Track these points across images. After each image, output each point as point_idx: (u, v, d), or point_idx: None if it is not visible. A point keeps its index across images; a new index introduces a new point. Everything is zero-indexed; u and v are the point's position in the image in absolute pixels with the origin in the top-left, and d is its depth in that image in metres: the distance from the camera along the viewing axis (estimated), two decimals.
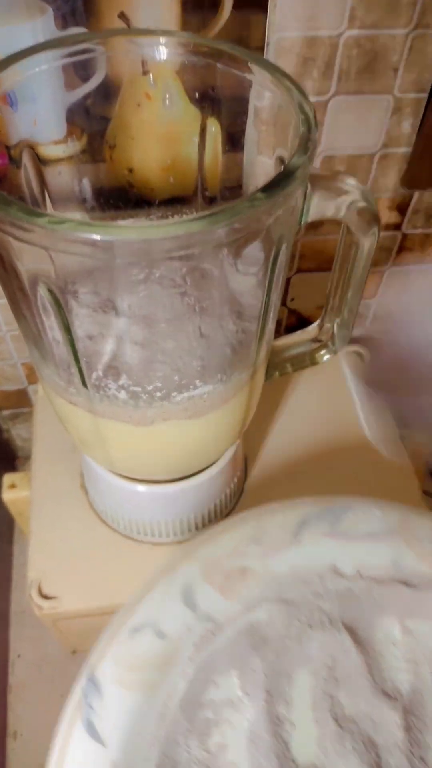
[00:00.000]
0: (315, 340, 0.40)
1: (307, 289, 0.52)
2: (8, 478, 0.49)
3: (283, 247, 0.28)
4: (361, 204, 0.29)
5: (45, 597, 0.43)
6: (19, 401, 0.60)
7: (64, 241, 0.21)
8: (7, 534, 0.60)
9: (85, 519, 0.46)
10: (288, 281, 0.51)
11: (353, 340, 0.59)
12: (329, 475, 0.49)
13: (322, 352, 0.39)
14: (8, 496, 0.49)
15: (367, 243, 0.32)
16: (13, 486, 0.49)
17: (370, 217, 0.30)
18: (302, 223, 0.29)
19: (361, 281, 0.35)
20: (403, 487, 0.49)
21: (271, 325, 0.33)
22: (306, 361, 0.40)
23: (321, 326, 0.40)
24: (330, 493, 0.46)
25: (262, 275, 0.29)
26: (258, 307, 0.30)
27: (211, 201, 0.36)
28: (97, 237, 0.21)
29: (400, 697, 0.30)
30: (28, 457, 0.66)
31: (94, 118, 0.37)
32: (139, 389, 0.30)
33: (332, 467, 0.50)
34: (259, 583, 0.33)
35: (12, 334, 0.52)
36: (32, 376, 0.57)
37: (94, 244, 0.21)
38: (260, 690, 0.31)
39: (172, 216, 0.37)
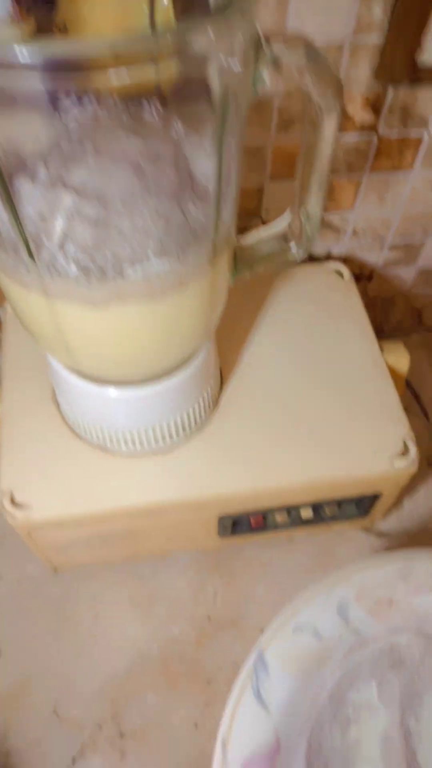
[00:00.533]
0: (283, 238, 0.39)
1: (282, 199, 0.51)
2: None
3: (231, 107, 0.27)
4: (320, 64, 0.28)
5: (18, 506, 0.43)
6: None
7: None
8: None
9: (57, 432, 0.46)
10: (261, 191, 0.50)
11: (333, 258, 0.58)
12: (307, 390, 0.49)
13: (293, 248, 0.38)
14: None
15: (329, 119, 0.31)
16: None
17: (329, 79, 0.28)
18: (257, 87, 0.28)
19: (324, 166, 0.34)
20: (382, 398, 0.48)
21: (228, 205, 0.32)
22: (276, 258, 0.39)
23: (290, 221, 0.38)
24: (310, 407, 0.46)
25: (212, 143, 0.27)
26: (211, 182, 0.29)
27: None
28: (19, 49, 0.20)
29: None
30: None
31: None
32: (90, 263, 0.29)
33: (311, 382, 0.49)
34: (403, 615, 0.39)
35: None
36: (1, 298, 0.56)
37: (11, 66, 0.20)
38: (395, 702, 0.38)
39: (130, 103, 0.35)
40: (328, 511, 0.50)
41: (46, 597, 0.53)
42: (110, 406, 0.41)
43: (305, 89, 0.29)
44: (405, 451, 0.45)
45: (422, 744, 0.36)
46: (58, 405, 0.47)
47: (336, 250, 0.57)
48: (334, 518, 0.51)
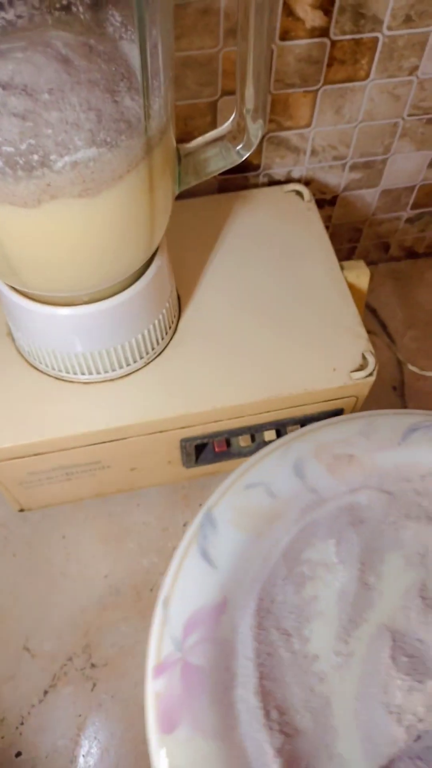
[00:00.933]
0: (231, 141, 0.38)
1: None
2: None
3: None
4: None
5: None
6: None
7: None
8: None
9: (13, 365, 0.45)
10: (215, 106, 0.48)
11: (293, 180, 0.56)
12: (267, 312, 0.47)
13: (239, 147, 0.37)
14: None
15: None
16: None
17: None
18: None
19: (259, 51, 0.32)
20: (342, 315, 0.47)
21: (158, 96, 0.30)
22: (221, 160, 0.37)
23: (234, 122, 0.37)
24: (270, 329, 0.45)
25: (135, 29, 0.26)
26: (138, 68, 0.27)
27: None
28: None
29: None
30: None
31: None
32: (16, 156, 0.27)
33: (271, 303, 0.48)
34: (363, 472, 0.37)
35: None
36: None
37: None
38: (354, 560, 0.36)
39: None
40: (290, 429, 0.50)
41: (15, 538, 0.53)
42: (62, 328, 0.40)
43: None
44: (364, 364, 0.44)
45: (383, 600, 0.35)
46: (13, 338, 0.45)
47: (296, 173, 0.56)
48: None
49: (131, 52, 0.29)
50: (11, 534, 0.53)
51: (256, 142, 0.36)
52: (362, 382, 0.44)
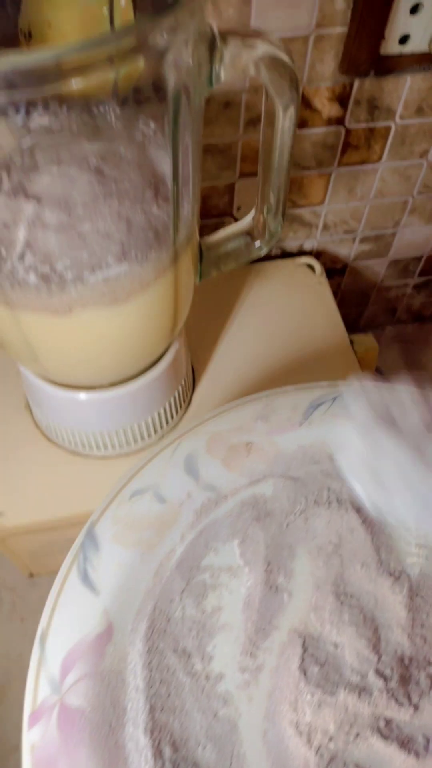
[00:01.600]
0: (248, 234, 0.39)
1: (253, 198, 0.50)
2: None
3: (184, 103, 0.26)
4: (274, 56, 0.27)
5: None
6: None
7: None
8: None
9: (30, 438, 0.45)
10: (232, 188, 0.49)
11: (305, 253, 0.57)
12: (281, 383, 0.48)
13: (257, 244, 0.38)
14: None
15: (286, 112, 0.30)
16: None
17: (285, 72, 0.28)
18: (212, 81, 0.28)
19: (283, 155, 0.33)
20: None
21: (187, 204, 0.31)
22: (242, 255, 0.38)
23: (255, 219, 0.38)
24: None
25: (167, 138, 0.27)
26: (168, 182, 0.29)
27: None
28: None
29: (407, 578, 0.30)
30: None
31: (5, 5, 0.34)
32: (49, 271, 0.28)
33: (283, 378, 0.49)
34: (264, 459, 0.33)
35: None
36: None
37: None
38: (260, 560, 0.32)
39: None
40: None
41: (24, 603, 0.53)
42: (81, 410, 0.41)
43: (261, 81, 0.29)
44: None
45: (293, 601, 0.31)
46: (31, 411, 0.46)
47: (308, 245, 0.57)
48: None
49: (161, 158, 0.30)
50: (20, 599, 0.53)
51: (275, 239, 0.38)
52: None
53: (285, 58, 0.27)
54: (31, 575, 0.52)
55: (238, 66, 0.27)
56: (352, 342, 0.51)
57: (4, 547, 0.45)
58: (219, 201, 0.50)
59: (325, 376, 0.49)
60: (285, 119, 0.30)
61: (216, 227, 0.38)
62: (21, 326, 0.32)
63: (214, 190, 0.49)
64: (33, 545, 0.45)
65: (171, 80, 0.24)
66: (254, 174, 0.49)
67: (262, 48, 0.27)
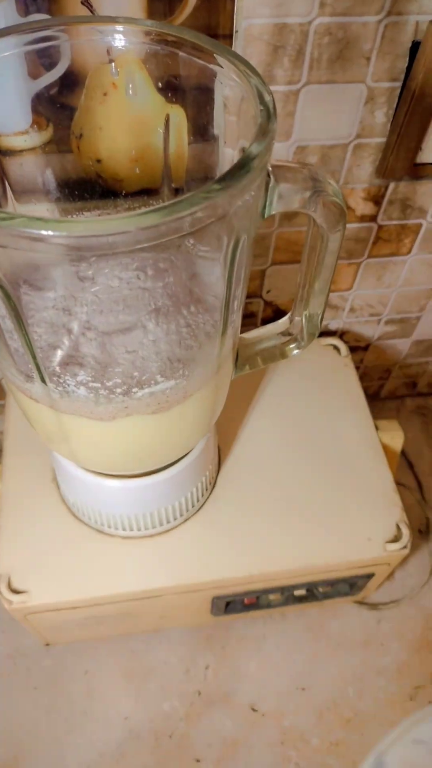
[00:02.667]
0: (286, 333, 0.40)
1: (283, 281, 0.52)
2: None
3: (244, 238, 0.27)
4: (328, 197, 0.28)
5: (14, 591, 0.42)
6: None
7: (13, 237, 0.21)
8: None
9: (56, 513, 0.46)
10: (263, 273, 0.51)
11: (329, 333, 0.59)
12: (303, 471, 0.49)
13: (291, 346, 0.39)
14: None
15: (334, 237, 0.32)
16: None
17: (337, 210, 0.29)
18: (266, 215, 0.29)
19: (327, 275, 0.34)
20: (377, 481, 0.49)
21: (235, 320, 0.32)
22: (276, 354, 0.39)
23: (291, 320, 0.39)
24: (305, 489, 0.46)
25: (222, 268, 0.28)
26: (220, 302, 0.30)
27: (177, 192, 0.35)
28: (45, 233, 0.20)
29: None
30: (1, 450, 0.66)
31: (60, 108, 0.36)
32: (98, 385, 0.29)
33: (307, 462, 0.49)
34: None
35: None
36: None
37: (43, 240, 0.20)
38: None
39: (139, 207, 0.36)
40: (321, 590, 0.51)
41: (38, 671, 0.53)
42: (109, 495, 0.42)
43: (311, 215, 0.30)
44: (398, 534, 0.46)
45: None
46: (57, 485, 0.47)
47: (333, 325, 0.58)
48: (326, 596, 0.52)
49: (215, 280, 0.31)
50: (34, 665, 0.53)
51: (308, 344, 0.39)
52: (396, 553, 0.45)
53: (339, 200, 0.28)
54: (47, 644, 0.52)
55: (291, 203, 0.28)
56: (377, 428, 0.51)
57: (26, 623, 0.45)
58: (251, 284, 0.52)
59: (350, 465, 0.49)
60: (331, 243, 0.32)
61: (246, 307, 0.39)
62: (62, 425, 0.33)
63: None
64: (53, 621, 0.46)
65: (231, 225, 0.26)
66: (285, 262, 0.50)
67: (315, 190, 0.28)
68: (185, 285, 0.31)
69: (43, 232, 0.20)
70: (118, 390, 0.29)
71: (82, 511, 0.45)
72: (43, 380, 0.29)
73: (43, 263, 0.28)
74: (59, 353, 0.29)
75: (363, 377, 0.65)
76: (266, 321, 0.56)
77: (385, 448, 0.51)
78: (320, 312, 0.37)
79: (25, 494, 0.47)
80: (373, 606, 0.58)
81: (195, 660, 0.54)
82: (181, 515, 0.45)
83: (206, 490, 0.47)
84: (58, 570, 0.44)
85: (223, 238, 0.27)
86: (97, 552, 0.45)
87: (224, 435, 0.50)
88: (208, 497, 0.47)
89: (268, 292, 0.53)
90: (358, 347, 0.62)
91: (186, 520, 0.46)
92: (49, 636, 0.50)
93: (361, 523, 0.47)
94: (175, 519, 0.45)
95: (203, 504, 0.47)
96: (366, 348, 0.62)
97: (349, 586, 0.51)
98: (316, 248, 0.33)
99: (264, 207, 0.29)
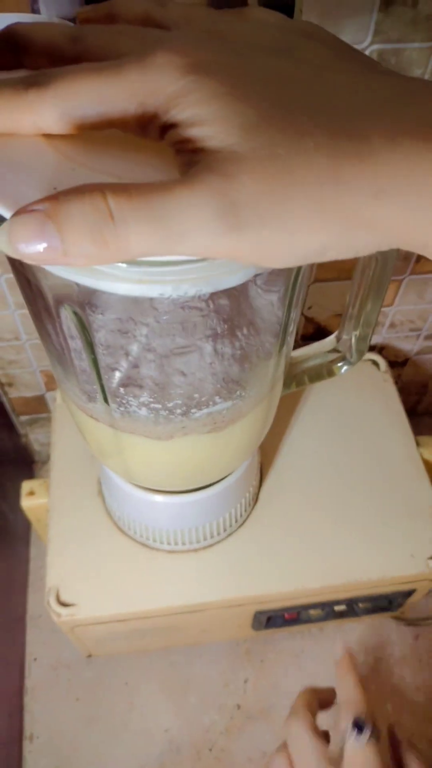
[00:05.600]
0: (332, 351, 0.40)
1: (325, 298, 0.52)
2: (27, 485, 0.50)
3: (304, 268, 0.28)
4: None
5: (63, 604, 0.43)
6: (38, 407, 0.60)
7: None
8: (24, 537, 0.61)
9: (102, 526, 0.47)
10: (307, 290, 0.51)
11: (370, 348, 0.59)
12: (344, 486, 0.49)
13: (340, 364, 0.39)
14: (27, 503, 0.49)
15: (389, 255, 0.32)
16: (31, 493, 0.49)
17: None
18: None
19: (380, 294, 0.35)
20: (418, 496, 0.49)
21: (290, 340, 0.33)
22: (323, 372, 0.40)
23: (339, 338, 0.40)
24: (347, 504, 0.46)
25: (283, 293, 0.29)
26: (278, 324, 0.30)
27: None
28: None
29: None
30: (45, 462, 0.67)
31: None
32: (159, 406, 0.30)
33: (348, 476, 0.50)
34: None
35: (31, 343, 0.52)
36: (50, 383, 0.57)
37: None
38: None
39: None
40: (361, 605, 0.51)
41: (80, 682, 0.54)
42: (156, 510, 0.42)
43: None
44: None
45: None
46: (103, 498, 0.48)
47: (373, 341, 0.59)
48: (366, 611, 0.52)
49: (274, 304, 0.32)
50: (75, 677, 0.54)
51: (357, 361, 0.39)
52: None
53: None
54: (89, 656, 0.53)
55: None
56: (418, 444, 0.52)
57: (72, 635, 0.46)
58: None
59: (391, 480, 0.50)
60: (386, 260, 0.32)
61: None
62: (119, 442, 0.34)
63: None
64: (98, 634, 0.46)
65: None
66: (328, 279, 0.50)
67: None
68: (247, 313, 0.32)
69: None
70: (178, 411, 0.30)
71: (128, 525, 0.45)
72: (105, 400, 0.30)
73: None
74: (122, 374, 0.30)
75: (401, 392, 0.64)
76: (306, 338, 0.56)
77: (426, 464, 0.51)
78: (371, 330, 0.37)
79: (71, 508, 0.47)
80: (411, 622, 0.58)
81: (234, 673, 0.54)
82: (225, 530, 0.46)
83: (249, 505, 0.47)
84: (105, 583, 0.44)
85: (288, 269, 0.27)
86: (143, 565, 0.45)
87: (266, 451, 0.51)
88: (250, 513, 0.48)
89: (309, 308, 0.53)
90: (396, 362, 0.62)
91: (229, 535, 0.47)
92: (92, 648, 0.50)
93: (403, 540, 0.47)
94: (219, 534, 0.46)
95: (246, 519, 0.48)
96: (404, 363, 0.62)
97: (389, 602, 0.51)
98: (368, 267, 0.34)
99: None
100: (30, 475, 0.66)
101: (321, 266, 0.49)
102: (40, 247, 0.17)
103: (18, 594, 0.57)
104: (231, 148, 0.17)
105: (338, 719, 0.35)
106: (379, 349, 0.60)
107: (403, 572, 0.45)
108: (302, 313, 0.54)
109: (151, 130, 0.19)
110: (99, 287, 0.23)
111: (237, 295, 0.30)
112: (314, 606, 0.48)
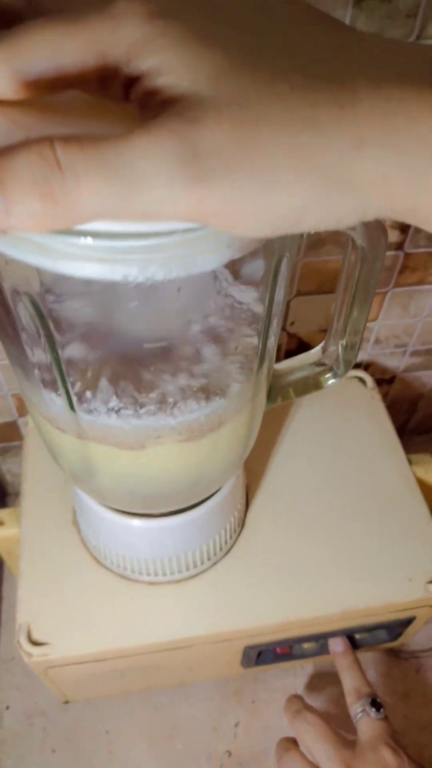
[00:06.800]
0: (318, 363, 0.38)
1: (308, 312, 0.50)
2: None
3: (285, 259, 0.26)
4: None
5: (35, 643, 0.40)
6: (9, 435, 0.57)
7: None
8: None
9: (77, 558, 0.44)
10: (288, 304, 0.50)
11: (355, 365, 0.57)
12: (335, 508, 0.47)
13: (327, 375, 0.37)
14: None
15: (376, 258, 0.30)
16: (1, 523, 0.46)
17: (378, 229, 0.28)
18: (305, 235, 0.28)
19: (367, 300, 0.33)
20: (413, 517, 0.46)
21: (272, 343, 0.31)
22: (309, 385, 0.38)
23: (324, 349, 0.38)
24: (339, 527, 0.44)
25: (263, 290, 0.27)
26: (257, 320, 0.28)
27: None
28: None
29: None
30: (18, 494, 0.64)
31: None
32: (129, 412, 0.28)
33: (339, 498, 0.47)
34: None
35: (2, 363, 0.49)
36: (22, 408, 0.54)
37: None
38: None
39: None
40: (358, 636, 0.48)
41: (56, 731, 0.49)
42: (133, 536, 0.39)
43: (349, 235, 0.29)
44: None
45: None
46: (78, 527, 0.45)
47: (358, 358, 0.57)
48: (364, 644, 0.48)
49: (254, 303, 0.30)
50: (51, 725, 0.50)
51: (345, 373, 0.37)
52: None
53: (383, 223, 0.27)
54: (67, 702, 0.49)
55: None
56: (410, 462, 0.49)
57: (45, 677, 0.42)
58: None
59: (384, 500, 0.47)
60: (372, 264, 0.30)
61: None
62: (88, 454, 0.31)
63: None
64: (75, 675, 0.43)
65: (273, 246, 0.24)
66: (310, 293, 0.49)
67: None
68: (218, 301, 0.29)
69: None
70: (151, 417, 0.28)
71: (104, 555, 0.42)
72: (72, 407, 0.27)
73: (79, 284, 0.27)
74: (91, 378, 0.27)
75: (389, 411, 0.63)
76: (290, 353, 0.54)
77: (420, 483, 0.49)
78: (359, 339, 0.35)
79: (44, 538, 0.44)
80: (411, 654, 0.55)
81: (224, 716, 0.50)
82: (209, 559, 0.43)
83: (235, 531, 0.44)
84: (81, 619, 0.41)
85: (266, 259, 0.25)
86: (121, 599, 0.42)
87: (251, 473, 0.48)
88: (236, 540, 0.45)
89: (292, 324, 0.51)
90: (383, 380, 0.60)
91: (214, 564, 0.44)
92: (68, 692, 0.47)
93: (400, 563, 0.44)
94: (202, 563, 0.43)
95: (232, 546, 0.45)
96: (391, 381, 0.60)
97: (387, 632, 0.48)
98: (353, 273, 0.32)
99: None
100: (2, 507, 0.63)
101: (303, 278, 0.47)
102: None
103: None
104: (198, 94, 0.15)
105: (349, 704, 0.42)
106: (365, 366, 0.58)
107: (401, 598, 0.43)
108: (285, 329, 0.52)
109: (113, 88, 0.17)
110: (57, 269, 0.20)
111: (213, 285, 0.28)
112: (308, 639, 0.45)
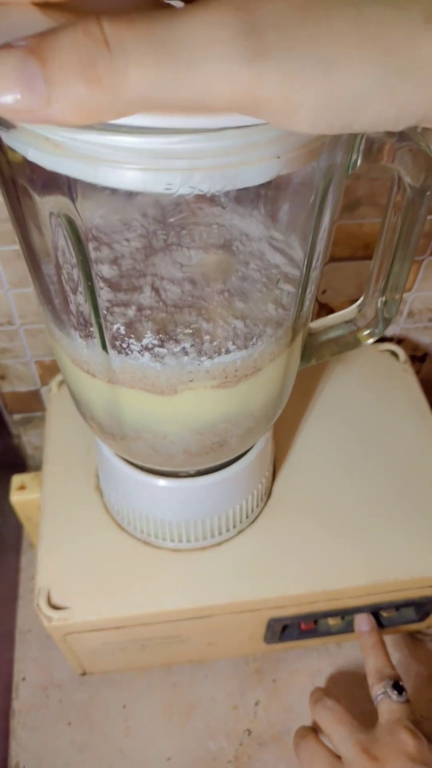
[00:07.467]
0: (352, 323, 0.37)
1: (340, 281, 0.49)
2: (17, 478, 0.45)
3: (331, 189, 0.25)
4: (417, 146, 0.26)
5: (54, 607, 0.39)
6: (31, 404, 0.56)
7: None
8: (14, 544, 0.56)
9: (100, 523, 0.43)
10: (323, 270, 0.48)
11: (386, 339, 0.55)
12: (364, 480, 0.45)
13: (366, 332, 0.36)
14: (17, 498, 0.45)
15: (421, 202, 0.29)
16: (22, 487, 0.45)
17: (426, 161, 0.26)
18: (350, 167, 0.26)
19: (409, 253, 0.31)
20: None
21: (311, 289, 0.29)
22: (348, 343, 0.36)
23: (361, 307, 0.36)
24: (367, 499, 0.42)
25: (305, 222, 0.25)
26: (301, 263, 0.27)
27: None
28: None
29: None
30: (38, 467, 0.63)
31: None
32: (164, 351, 0.26)
33: (368, 470, 0.46)
34: None
35: (26, 328, 0.49)
36: (45, 376, 0.53)
37: None
38: None
39: None
40: (385, 614, 0.46)
41: (72, 704, 0.48)
42: (159, 497, 0.38)
43: (395, 170, 0.27)
44: None
45: None
46: (101, 493, 0.43)
47: (389, 332, 0.55)
48: (390, 622, 0.47)
49: (294, 243, 0.29)
50: (67, 699, 0.49)
51: (384, 330, 0.35)
52: None
53: (425, 148, 0.26)
54: (84, 674, 0.47)
55: (378, 154, 0.26)
56: None
57: (63, 644, 0.41)
58: None
59: (414, 473, 0.45)
60: (420, 206, 0.29)
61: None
62: (117, 401, 0.30)
63: None
64: (93, 643, 0.42)
65: (319, 176, 0.23)
66: (344, 258, 0.47)
67: (399, 135, 0.25)
68: (261, 227, 0.28)
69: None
70: (185, 357, 0.26)
71: (128, 520, 0.41)
72: (104, 346, 0.26)
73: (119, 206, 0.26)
74: (126, 313, 0.26)
75: None
76: None
77: None
78: (399, 296, 0.34)
79: (66, 503, 0.43)
80: None
81: (244, 695, 0.49)
82: (235, 526, 0.41)
83: (261, 500, 0.43)
84: (102, 584, 0.40)
85: (314, 182, 0.24)
86: (145, 565, 0.41)
87: (280, 443, 0.47)
88: (263, 509, 0.44)
89: (323, 292, 0.50)
90: (415, 357, 0.58)
91: (240, 532, 0.42)
92: (86, 662, 0.45)
93: (429, 536, 0.42)
94: (228, 530, 0.41)
95: (258, 516, 0.43)
96: (423, 358, 0.59)
97: (415, 610, 0.46)
98: (396, 223, 0.31)
99: (349, 161, 0.26)
100: None
101: (336, 243, 0.46)
102: (18, 92, 0.14)
103: (6, 606, 0.52)
104: None
105: (370, 685, 0.41)
106: (396, 341, 0.56)
107: (431, 573, 0.41)
108: (316, 299, 0.51)
109: None
110: (97, 179, 0.19)
111: (257, 207, 0.27)
112: (333, 613, 0.43)
